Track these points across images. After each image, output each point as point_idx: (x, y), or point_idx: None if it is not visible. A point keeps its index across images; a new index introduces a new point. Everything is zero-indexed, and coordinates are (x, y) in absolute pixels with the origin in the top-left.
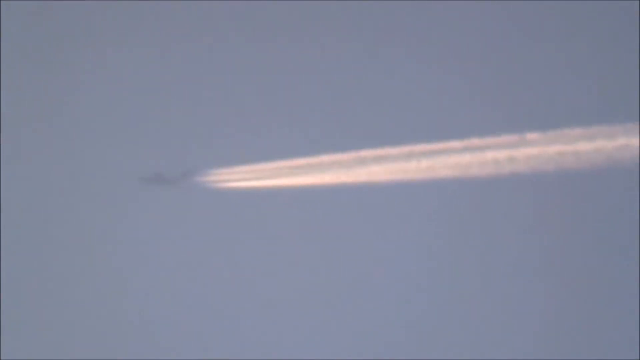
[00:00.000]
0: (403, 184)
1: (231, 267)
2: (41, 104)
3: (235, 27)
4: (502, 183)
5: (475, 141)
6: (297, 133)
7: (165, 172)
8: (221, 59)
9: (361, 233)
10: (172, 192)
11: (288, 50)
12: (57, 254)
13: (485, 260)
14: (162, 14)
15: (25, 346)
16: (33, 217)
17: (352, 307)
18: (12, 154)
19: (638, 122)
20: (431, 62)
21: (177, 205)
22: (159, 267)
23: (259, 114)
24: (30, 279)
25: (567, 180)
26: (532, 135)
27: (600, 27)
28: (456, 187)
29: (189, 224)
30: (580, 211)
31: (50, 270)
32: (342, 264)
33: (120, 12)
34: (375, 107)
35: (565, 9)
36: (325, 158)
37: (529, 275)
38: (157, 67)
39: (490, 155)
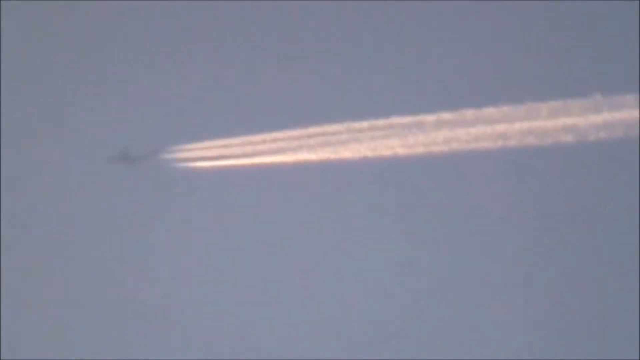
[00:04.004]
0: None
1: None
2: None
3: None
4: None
5: (469, 113)
6: (274, 107)
7: (132, 150)
8: (188, 36)
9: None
10: (138, 170)
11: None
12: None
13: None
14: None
15: (25, 346)
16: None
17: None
18: None
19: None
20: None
21: (144, 184)
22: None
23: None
24: None
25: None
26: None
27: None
28: (447, 162)
29: (156, 202)
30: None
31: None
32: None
33: None
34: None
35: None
36: (297, 132)
37: (529, 272)
38: (124, 43)
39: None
